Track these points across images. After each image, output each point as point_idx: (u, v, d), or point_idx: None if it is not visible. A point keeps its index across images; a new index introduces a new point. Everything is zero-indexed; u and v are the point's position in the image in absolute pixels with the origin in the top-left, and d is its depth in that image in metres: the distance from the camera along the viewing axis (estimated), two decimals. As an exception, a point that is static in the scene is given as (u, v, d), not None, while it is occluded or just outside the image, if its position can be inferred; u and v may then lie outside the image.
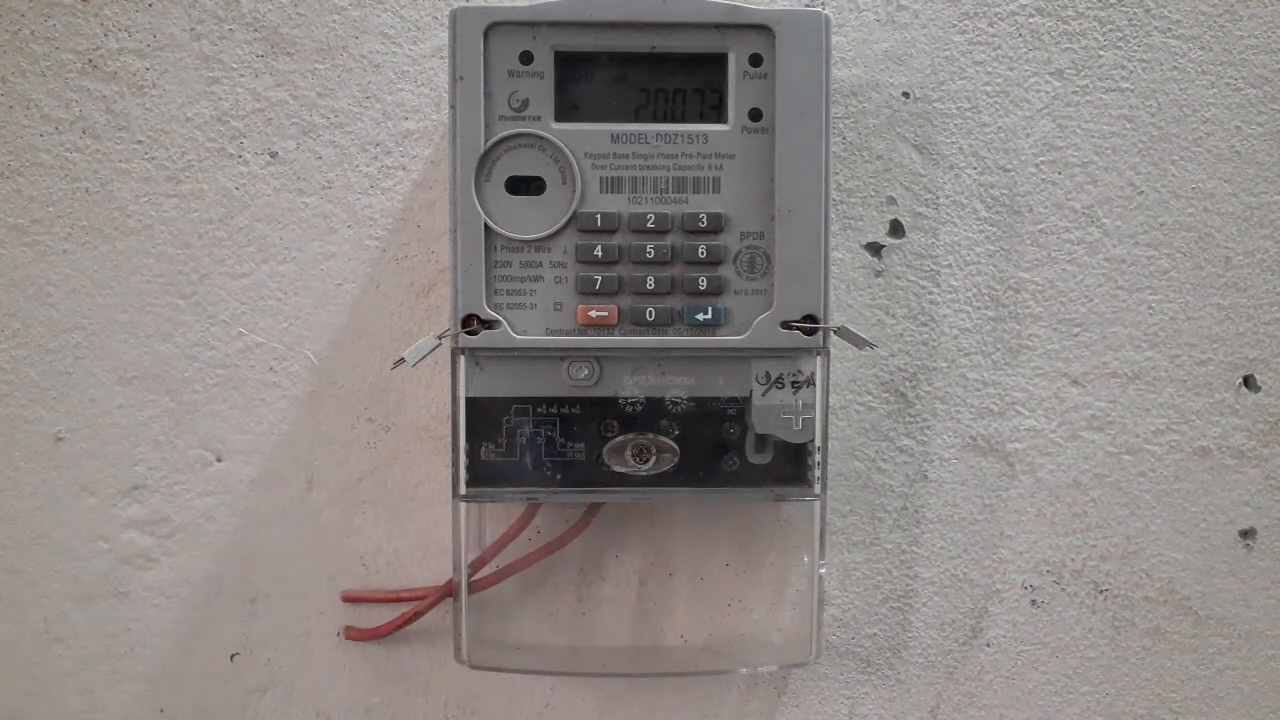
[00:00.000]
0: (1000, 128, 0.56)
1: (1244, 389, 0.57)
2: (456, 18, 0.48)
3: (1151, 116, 0.56)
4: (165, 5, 0.55)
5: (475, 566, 0.53)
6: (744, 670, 0.57)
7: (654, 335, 0.49)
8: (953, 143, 0.56)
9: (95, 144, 0.55)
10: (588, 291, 0.48)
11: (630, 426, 0.49)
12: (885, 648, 0.57)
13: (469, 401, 0.49)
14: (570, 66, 0.48)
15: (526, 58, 0.48)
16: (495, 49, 0.48)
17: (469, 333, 0.48)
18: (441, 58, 0.55)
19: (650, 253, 0.49)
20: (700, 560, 0.56)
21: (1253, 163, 0.57)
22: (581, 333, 0.49)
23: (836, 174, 0.55)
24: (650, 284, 0.49)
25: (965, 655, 0.58)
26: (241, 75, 0.55)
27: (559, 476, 0.49)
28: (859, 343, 0.49)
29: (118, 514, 0.56)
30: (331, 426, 0.56)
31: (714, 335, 0.49)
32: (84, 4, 0.55)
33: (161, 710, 0.57)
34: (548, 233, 0.48)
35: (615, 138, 0.48)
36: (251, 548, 0.56)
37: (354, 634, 0.56)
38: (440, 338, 0.49)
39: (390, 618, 0.55)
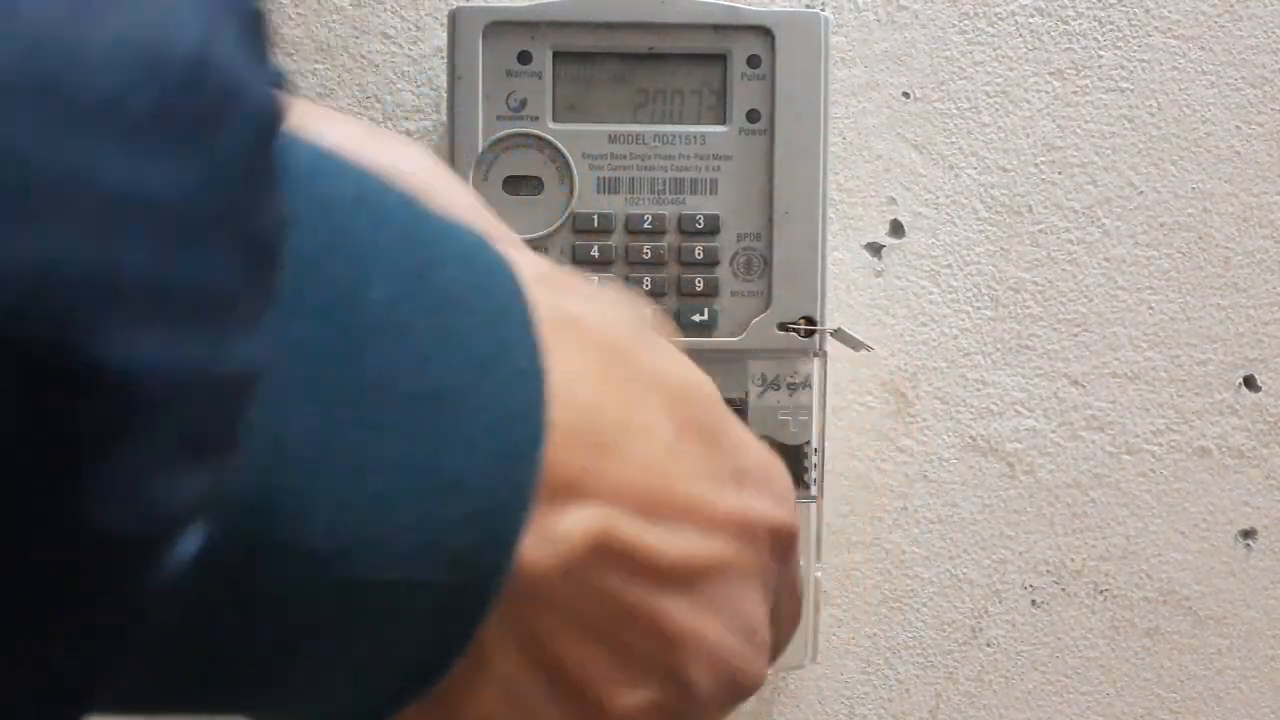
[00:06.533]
0: (1000, 128, 0.56)
1: (1244, 389, 0.57)
2: (455, 17, 0.48)
3: (1151, 116, 0.56)
4: (165, 5, 0.55)
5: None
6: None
7: (650, 336, 0.49)
8: (953, 143, 0.56)
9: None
10: (585, 292, 0.49)
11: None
12: (884, 648, 0.57)
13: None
14: (568, 66, 0.48)
15: (525, 57, 0.48)
16: (493, 49, 0.48)
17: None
18: (441, 58, 0.55)
19: (647, 254, 0.49)
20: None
21: (1253, 163, 0.56)
22: (579, 333, 0.49)
23: (836, 174, 0.55)
24: (646, 285, 0.49)
25: (965, 655, 0.58)
26: (242, 75, 0.55)
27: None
28: (855, 345, 0.49)
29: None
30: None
31: (710, 337, 0.49)
32: (84, 4, 0.55)
33: (162, 708, 0.57)
34: (545, 233, 0.48)
35: (613, 138, 0.48)
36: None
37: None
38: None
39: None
